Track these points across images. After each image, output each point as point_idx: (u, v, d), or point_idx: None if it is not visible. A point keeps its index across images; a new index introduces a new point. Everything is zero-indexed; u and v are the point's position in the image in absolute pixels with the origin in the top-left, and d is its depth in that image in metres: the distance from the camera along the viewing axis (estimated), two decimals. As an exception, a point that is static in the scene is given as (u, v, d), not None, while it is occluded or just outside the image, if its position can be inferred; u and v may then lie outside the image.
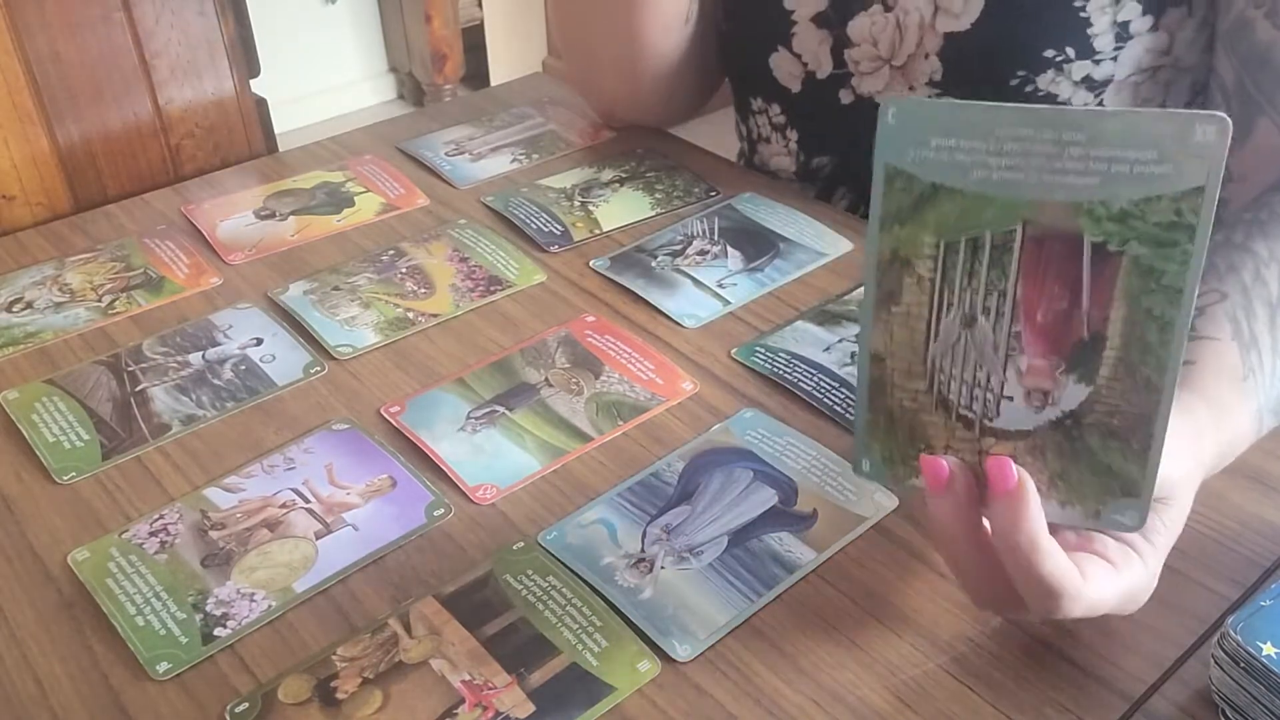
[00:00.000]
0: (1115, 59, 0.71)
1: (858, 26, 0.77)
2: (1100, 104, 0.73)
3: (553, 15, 0.91)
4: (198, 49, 0.91)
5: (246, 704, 0.47)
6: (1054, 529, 0.43)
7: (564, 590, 0.51)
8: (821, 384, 0.63)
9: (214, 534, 0.55)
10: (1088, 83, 0.72)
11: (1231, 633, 0.44)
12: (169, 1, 0.88)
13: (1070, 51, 0.71)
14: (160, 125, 0.91)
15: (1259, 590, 0.49)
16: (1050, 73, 0.72)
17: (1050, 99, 0.73)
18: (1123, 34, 0.70)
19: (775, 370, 0.65)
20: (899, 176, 0.42)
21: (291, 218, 0.82)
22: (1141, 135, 0.38)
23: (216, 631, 0.50)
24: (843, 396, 0.63)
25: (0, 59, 0.82)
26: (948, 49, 0.74)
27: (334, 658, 0.48)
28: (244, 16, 0.95)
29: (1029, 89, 0.72)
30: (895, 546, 0.54)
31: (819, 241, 0.77)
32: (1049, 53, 0.71)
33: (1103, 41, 0.70)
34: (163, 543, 0.54)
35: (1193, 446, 0.47)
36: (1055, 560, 0.42)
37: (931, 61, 0.75)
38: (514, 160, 0.89)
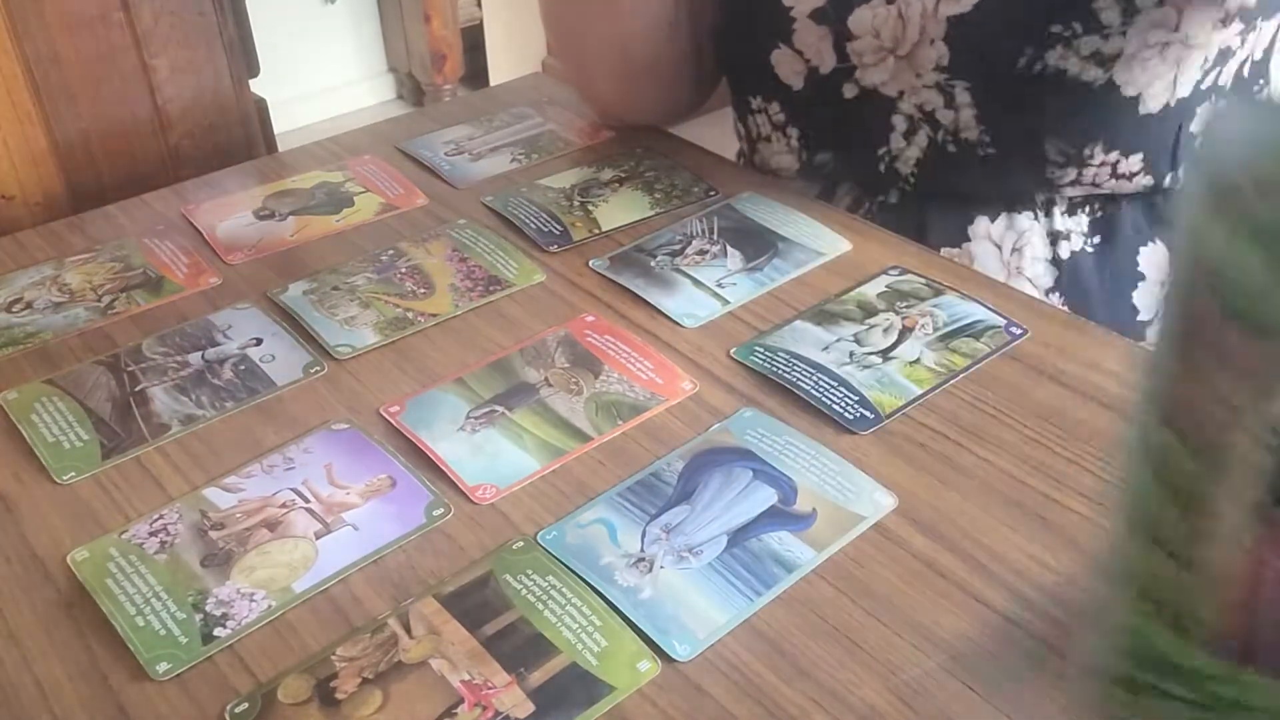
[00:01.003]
0: (1124, 34, 0.71)
1: (859, 19, 0.77)
2: (1110, 80, 0.73)
3: (544, 22, 0.91)
4: (197, 49, 0.91)
5: (246, 704, 0.47)
6: None
7: (563, 590, 0.51)
8: (820, 383, 0.63)
9: (213, 534, 0.55)
10: (1097, 58, 0.72)
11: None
12: (168, 1, 0.88)
13: (1077, 26, 0.71)
14: (159, 125, 0.91)
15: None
16: (1059, 48, 0.71)
17: (1059, 75, 0.72)
18: (1129, 8, 0.70)
19: (774, 369, 0.65)
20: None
21: (291, 218, 0.82)
22: None
23: (216, 631, 0.50)
24: (841, 395, 0.63)
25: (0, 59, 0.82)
26: (952, 33, 0.74)
27: (333, 658, 0.48)
28: (243, 16, 0.95)
29: (1038, 67, 0.72)
30: (895, 546, 0.54)
31: (818, 241, 0.77)
32: (1056, 28, 0.71)
33: (1109, 15, 0.70)
34: (162, 543, 0.54)
35: None
36: None
37: (937, 47, 0.75)
38: (513, 160, 0.89)
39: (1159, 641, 0.27)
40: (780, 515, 0.55)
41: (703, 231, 0.79)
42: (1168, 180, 0.79)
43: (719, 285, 0.73)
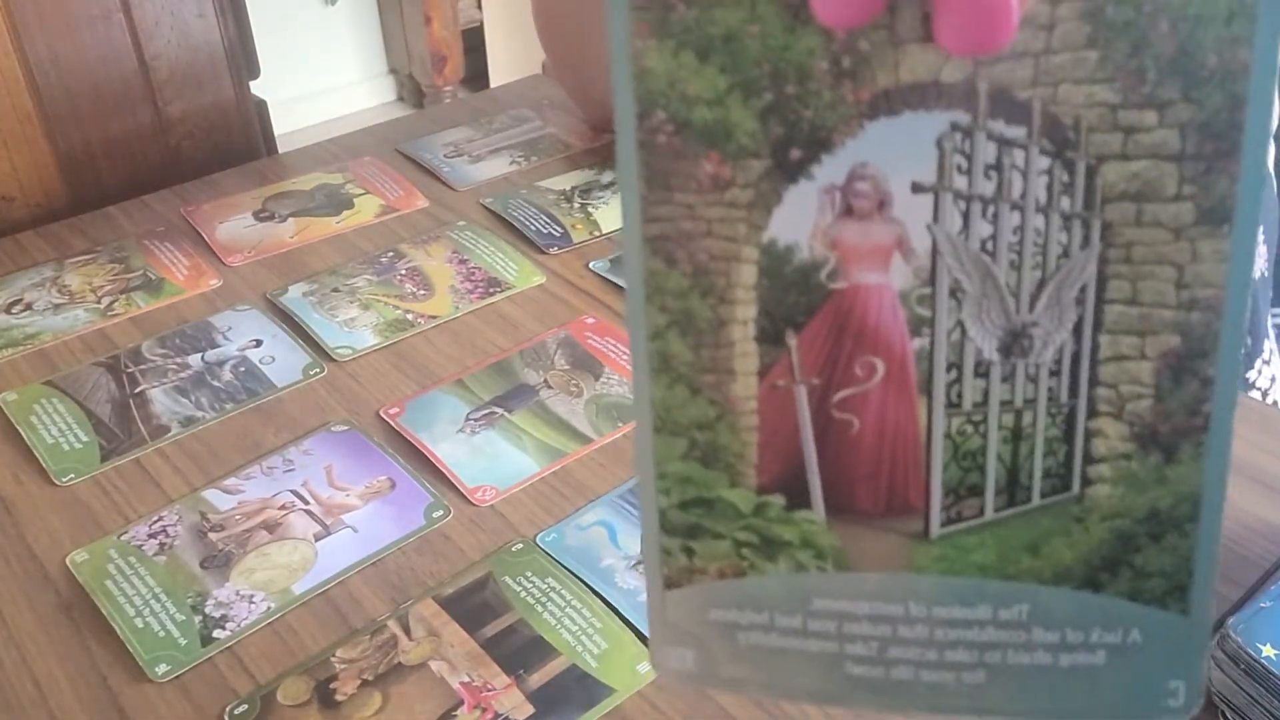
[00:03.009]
0: None
1: None
2: None
3: (537, 23, 0.90)
4: (197, 50, 0.91)
5: (245, 705, 0.47)
6: None
7: (563, 592, 0.51)
8: (821, 385, 0.63)
9: (213, 536, 0.55)
10: None
11: (1231, 634, 0.44)
12: (168, 3, 0.88)
13: None
14: (160, 126, 0.91)
15: (1259, 592, 0.49)
16: None
17: None
18: None
19: (774, 372, 0.65)
20: None
21: (291, 219, 0.82)
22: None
23: (215, 633, 0.50)
24: (842, 398, 0.62)
25: (0, 60, 0.82)
26: None
27: (333, 659, 0.48)
28: (243, 18, 0.95)
29: None
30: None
31: (818, 243, 0.77)
32: None
33: None
34: (162, 544, 0.54)
35: None
36: None
37: None
38: (513, 162, 0.89)
39: (698, 481, 0.28)
40: (780, 517, 0.55)
41: (703, 233, 0.79)
42: None
43: (719, 287, 0.73)
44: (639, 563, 0.53)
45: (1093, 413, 0.26)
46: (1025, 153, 0.24)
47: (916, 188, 0.25)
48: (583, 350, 0.67)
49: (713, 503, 0.28)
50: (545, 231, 0.79)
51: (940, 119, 0.24)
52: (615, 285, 0.74)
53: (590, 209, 0.82)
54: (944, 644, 0.27)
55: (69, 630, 0.50)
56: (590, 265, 0.76)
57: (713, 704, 0.47)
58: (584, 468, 0.59)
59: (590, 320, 0.70)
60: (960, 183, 0.25)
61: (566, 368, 0.66)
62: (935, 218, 0.25)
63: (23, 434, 0.61)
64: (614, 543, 0.54)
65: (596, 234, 0.79)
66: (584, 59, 0.88)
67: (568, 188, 0.85)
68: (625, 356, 0.67)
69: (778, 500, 0.27)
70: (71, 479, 0.58)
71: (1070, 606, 0.27)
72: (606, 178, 0.86)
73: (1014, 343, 0.26)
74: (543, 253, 0.77)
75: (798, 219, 0.25)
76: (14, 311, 0.72)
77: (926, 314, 0.26)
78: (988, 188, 0.25)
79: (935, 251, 0.25)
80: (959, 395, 0.26)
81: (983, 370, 0.26)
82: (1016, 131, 0.24)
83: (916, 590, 0.27)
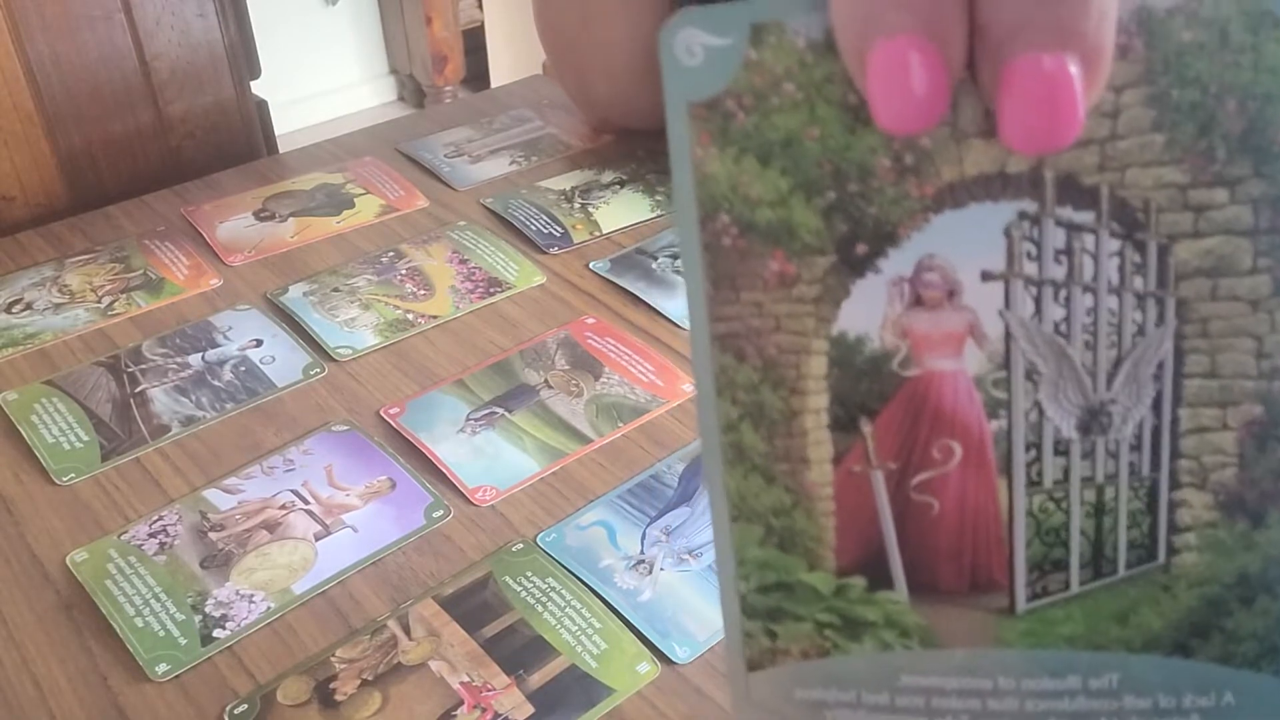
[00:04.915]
0: None
1: None
2: None
3: (539, 25, 0.90)
4: (198, 50, 0.91)
5: (245, 705, 0.47)
6: None
7: (563, 592, 0.51)
8: (821, 386, 0.63)
9: (213, 535, 0.55)
10: None
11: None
12: (169, 3, 0.88)
13: None
14: (160, 127, 0.91)
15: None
16: None
17: None
18: None
19: (775, 372, 0.65)
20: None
21: (291, 219, 0.82)
22: None
23: (215, 633, 0.50)
24: (842, 398, 0.63)
25: (0, 60, 0.82)
26: None
27: (333, 659, 0.48)
28: (244, 18, 0.95)
29: None
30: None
31: (819, 243, 0.77)
32: None
33: None
34: (162, 544, 0.54)
35: None
36: None
37: None
38: (513, 162, 0.89)
39: (776, 565, 0.28)
40: (780, 518, 0.55)
41: (703, 234, 0.78)
42: None
43: (719, 287, 0.73)
44: (639, 562, 0.53)
45: (1175, 484, 0.26)
46: (1095, 236, 0.24)
47: (986, 276, 0.25)
48: (583, 350, 0.67)
49: (792, 586, 0.28)
50: (545, 231, 0.79)
51: (1007, 209, 0.24)
52: (615, 285, 0.74)
53: (590, 209, 0.82)
54: (1034, 715, 0.27)
55: (69, 630, 0.51)
56: (590, 265, 0.76)
57: (714, 705, 0.47)
58: (584, 468, 0.59)
59: (590, 320, 0.70)
60: (1030, 269, 0.24)
61: (567, 368, 0.66)
62: (1007, 304, 0.25)
63: (23, 433, 0.61)
64: (613, 543, 0.54)
65: (597, 234, 0.79)
66: (584, 60, 0.88)
67: (568, 188, 0.85)
68: (625, 356, 0.67)
69: (859, 582, 0.27)
70: (72, 479, 0.58)
71: (1161, 673, 0.27)
72: (607, 178, 0.86)
73: (1093, 420, 0.26)
74: (543, 253, 0.77)
75: (867, 311, 0.25)
76: (14, 311, 0.72)
77: (1003, 396, 0.26)
78: (1059, 272, 0.25)
79: (1008, 336, 0.25)
80: (1039, 473, 0.26)
81: (1062, 448, 0.26)
82: (1085, 216, 0.24)
83: (1004, 664, 0.27)
